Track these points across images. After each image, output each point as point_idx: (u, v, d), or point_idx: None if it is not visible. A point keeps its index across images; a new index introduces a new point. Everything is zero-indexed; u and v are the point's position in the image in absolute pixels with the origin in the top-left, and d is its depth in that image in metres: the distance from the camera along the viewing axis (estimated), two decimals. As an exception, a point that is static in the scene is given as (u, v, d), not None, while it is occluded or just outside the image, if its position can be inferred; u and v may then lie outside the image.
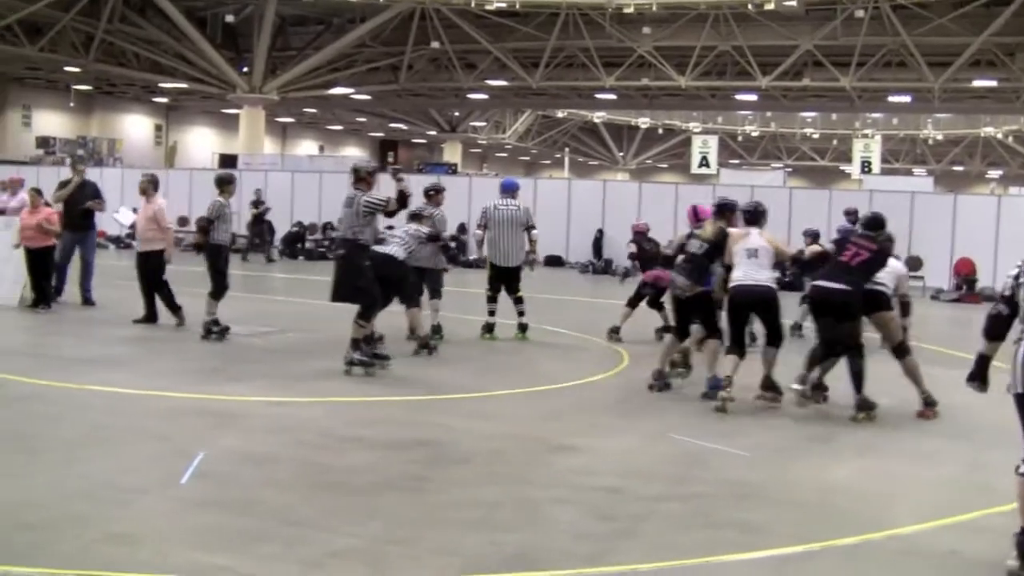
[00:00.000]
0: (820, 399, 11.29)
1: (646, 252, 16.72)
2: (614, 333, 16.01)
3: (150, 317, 15.47)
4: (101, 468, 7.68)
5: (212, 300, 14.30)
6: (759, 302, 11.17)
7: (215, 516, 6.70)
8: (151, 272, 15.60)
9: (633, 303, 16.26)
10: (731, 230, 11.52)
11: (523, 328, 15.56)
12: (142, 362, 12.49)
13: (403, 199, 12.52)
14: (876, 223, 11.50)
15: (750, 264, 11.08)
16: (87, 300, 17.25)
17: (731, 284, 11.19)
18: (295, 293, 21.84)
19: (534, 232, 15.27)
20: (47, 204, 17.35)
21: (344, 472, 7.80)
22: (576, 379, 12.27)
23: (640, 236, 17.10)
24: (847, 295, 10.53)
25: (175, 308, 15.37)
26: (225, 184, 15.18)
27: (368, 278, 12.21)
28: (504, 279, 15.47)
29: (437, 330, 14.81)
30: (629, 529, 6.80)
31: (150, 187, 16.42)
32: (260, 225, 31.16)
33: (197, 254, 15.05)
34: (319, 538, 6.33)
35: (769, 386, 11.19)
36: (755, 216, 11.52)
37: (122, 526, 6.43)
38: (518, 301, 15.56)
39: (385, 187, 13.25)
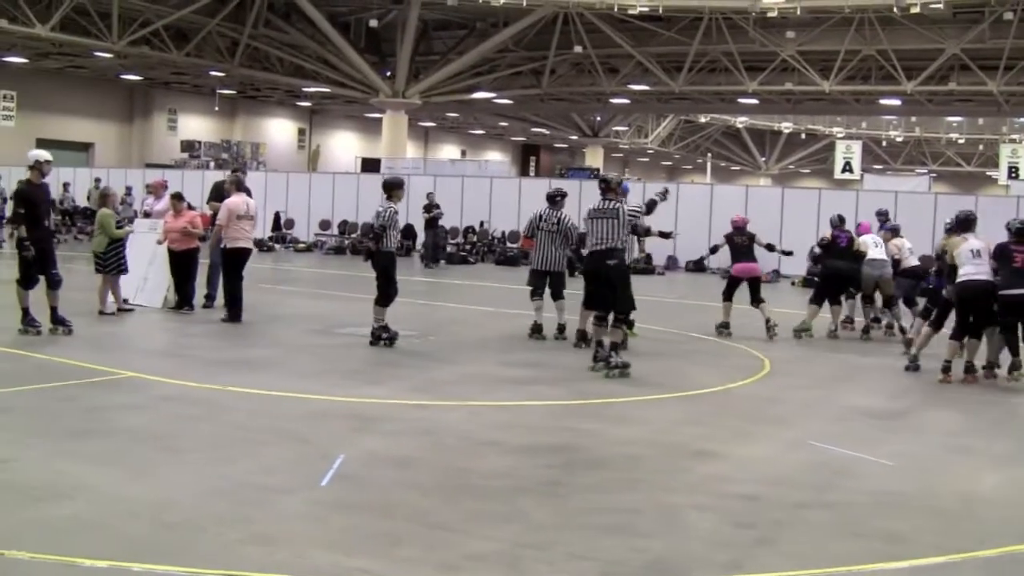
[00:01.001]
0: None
1: (737, 245, 17.44)
2: (723, 328, 16.65)
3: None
4: (242, 469, 7.82)
5: (380, 307, 14.21)
6: (984, 294, 12.82)
7: (354, 518, 6.78)
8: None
9: (728, 295, 17.14)
10: (953, 238, 13.69)
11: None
12: (282, 364, 12.70)
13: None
14: None
15: (976, 263, 12.93)
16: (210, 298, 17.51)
17: (960, 280, 12.94)
18: (438, 297, 22.00)
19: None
20: (190, 207, 17.70)
21: (482, 476, 7.85)
22: (717, 385, 12.18)
23: (737, 230, 17.63)
24: None
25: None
26: (394, 189, 14.63)
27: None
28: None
29: (562, 329, 15.23)
30: (769, 537, 6.73)
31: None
32: (433, 228, 30.86)
33: (365, 261, 14.71)
34: (457, 541, 6.38)
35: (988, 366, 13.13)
36: (969, 223, 13.84)
37: (262, 527, 6.53)
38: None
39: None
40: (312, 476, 7.55)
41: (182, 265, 16.83)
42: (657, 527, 6.82)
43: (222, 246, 16.19)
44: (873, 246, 17.09)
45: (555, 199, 15.54)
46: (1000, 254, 12.93)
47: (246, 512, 6.79)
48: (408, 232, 32.58)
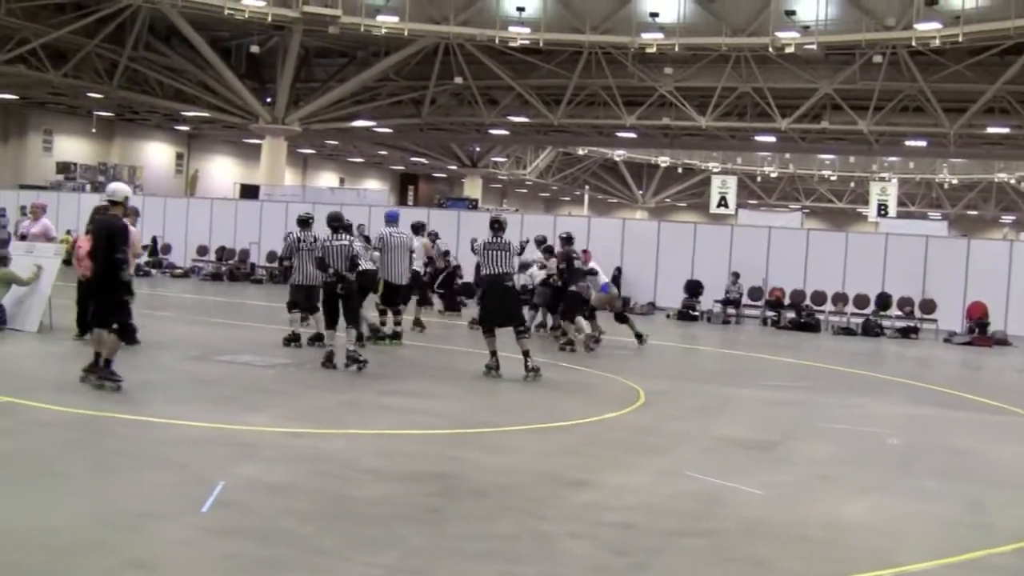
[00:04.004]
0: None
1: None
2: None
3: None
4: (121, 494, 7.79)
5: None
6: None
7: (236, 545, 6.81)
8: None
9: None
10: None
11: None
12: (161, 390, 12.62)
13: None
14: None
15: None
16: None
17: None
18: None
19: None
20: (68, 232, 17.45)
21: (362, 503, 7.92)
22: (592, 416, 12.37)
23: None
24: None
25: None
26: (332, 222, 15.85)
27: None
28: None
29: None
30: (644, 563, 6.91)
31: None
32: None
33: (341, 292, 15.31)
34: (337, 567, 6.46)
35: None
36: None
37: (143, 552, 6.54)
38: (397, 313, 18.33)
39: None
40: (192, 502, 7.55)
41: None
42: (533, 554, 6.96)
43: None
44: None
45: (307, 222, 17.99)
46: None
47: (127, 537, 6.78)
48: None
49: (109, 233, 12.16)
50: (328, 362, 14.97)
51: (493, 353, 15.29)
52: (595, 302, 19.19)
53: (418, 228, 21.12)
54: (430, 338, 19.60)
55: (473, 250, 16.44)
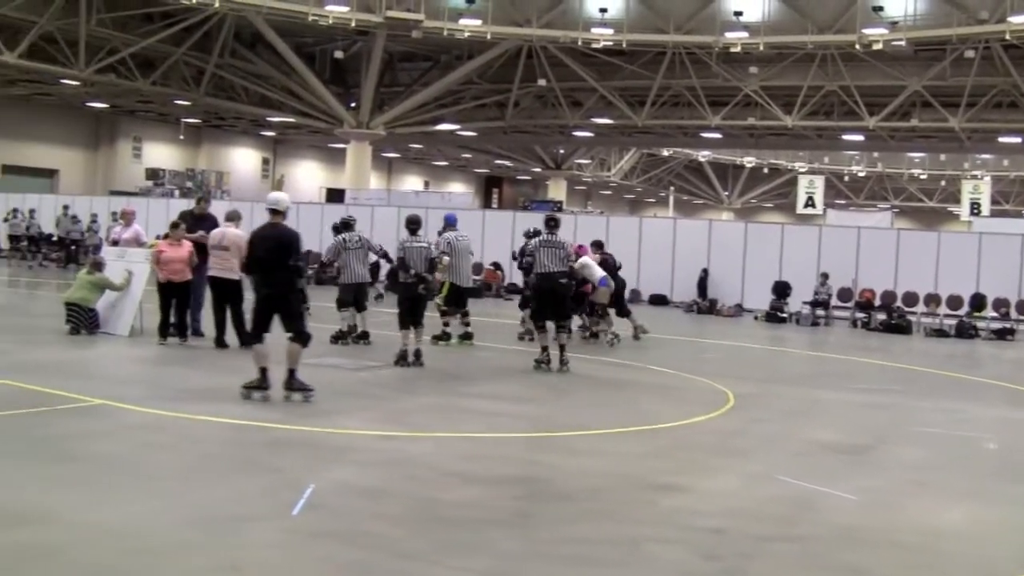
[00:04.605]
0: None
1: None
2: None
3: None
4: (212, 497, 7.83)
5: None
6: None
7: (326, 548, 6.80)
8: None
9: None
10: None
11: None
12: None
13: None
14: None
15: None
16: (196, 331, 17.23)
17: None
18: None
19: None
20: (158, 237, 17.65)
21: (451, 506, 7.89)
22: (679, 418, 12.26)
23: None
24: None
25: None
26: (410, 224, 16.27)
27: None
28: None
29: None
30: (736, 569, 6.82)
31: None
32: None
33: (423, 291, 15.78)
34: (427, 571, 6.43)
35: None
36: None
37: (232, 555, 6.56)
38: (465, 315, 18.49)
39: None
40: (283, 505, 7.57)
41: (182, 296, 16.58)
42: (624, 559, 6.88)
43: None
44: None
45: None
46: None
47: (215, 540, 6.79)
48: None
49: (284, 243, 12.16)
50: (402, 360, 15.21)
51: (544, 348, 15.84)
52: (594, 297, 19.04)
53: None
54: (482, 336, 19.63)
55: (524, 251, 17.04)
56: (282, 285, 12.05)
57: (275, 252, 12.07)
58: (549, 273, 15.85)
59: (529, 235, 18.08)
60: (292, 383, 11.94)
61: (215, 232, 16.36)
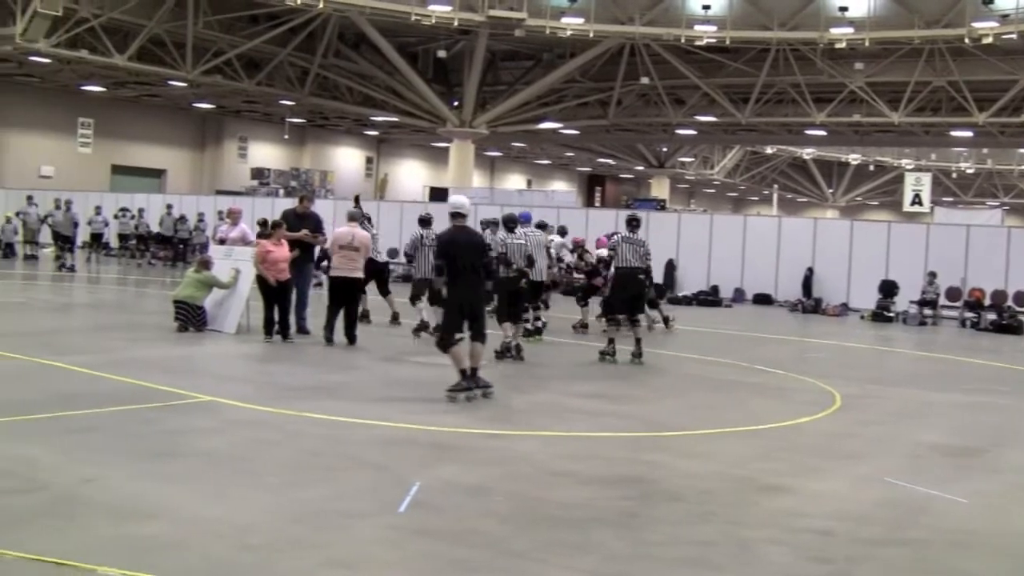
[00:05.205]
0: None
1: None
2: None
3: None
4: (319, 494, 7.91)
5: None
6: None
7: (432, 545, 6.85)
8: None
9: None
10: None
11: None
12: (356, 390, 12.90)
13: None
14: None
15: None
16: (301, 329, 17.43)
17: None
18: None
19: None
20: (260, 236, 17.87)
21: (558, 506, 7.89)
22: (785, 419, 12.16)
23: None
24: None
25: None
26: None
27: None
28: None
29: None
30: (845, 572, 6.76)
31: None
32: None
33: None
34: (534, 570, 6.45)
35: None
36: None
37: (340, 551, 6.62)
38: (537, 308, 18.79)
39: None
40: (389, 502, 7.63)
41: (284, 295, 16.77)
42: (732, 560, 6.85)
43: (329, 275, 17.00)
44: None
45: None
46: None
47: (324, 537, 6.87)
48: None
49: (480, 247, 12.74)
50: (505, 353, 15.77)
51: (611, 340, 16.47)
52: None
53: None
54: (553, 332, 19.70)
55: (610, 248, 17.12)
56: (479, 288, 12.60)
57: (474, 256, 12.46)
58: (631, 268, 16.42)
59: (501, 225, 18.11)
60: (476, 381, 12.25)
61: (343, 232, 16.75)
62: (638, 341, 16.32)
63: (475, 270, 12.38)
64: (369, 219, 21.34)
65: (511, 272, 16.08)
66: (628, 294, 16.60)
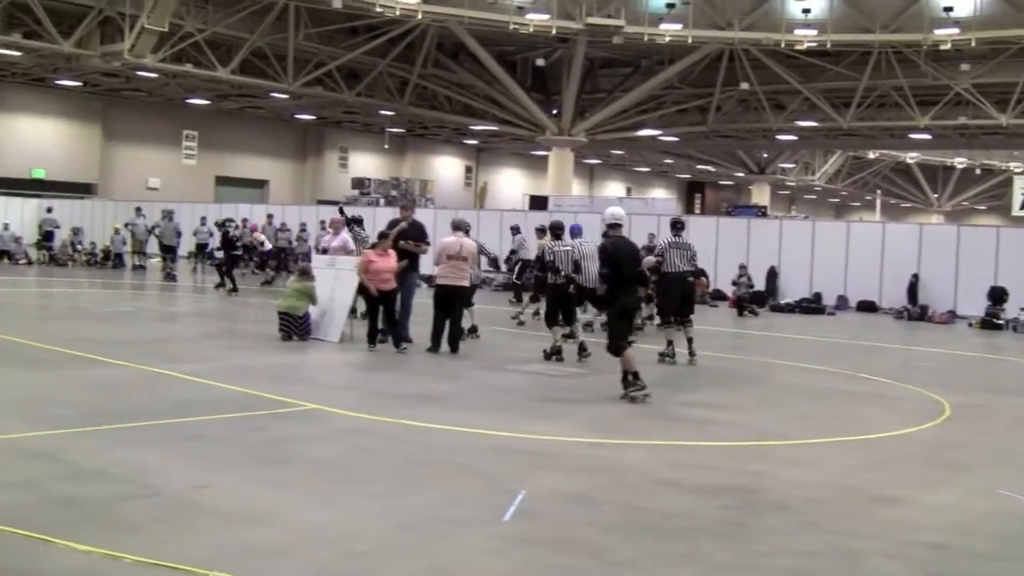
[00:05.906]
0: None
1: None
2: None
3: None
4: (424, 502, 7.93)
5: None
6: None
7: (536, 554, 6.83)
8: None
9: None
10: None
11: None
12: (458, 399, 12.90)
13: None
14: None
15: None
16: (404, 338, 17.31)
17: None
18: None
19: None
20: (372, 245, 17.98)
21: (663, 515, 7.83)
22: (892, 429, 11.93)
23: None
24: None
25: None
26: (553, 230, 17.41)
27: None
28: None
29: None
30: (960, 587, 6.59)
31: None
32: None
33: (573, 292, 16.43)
34: (639, 580, 6.39)
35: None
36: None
37: (445, 559, 6.63)
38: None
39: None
40: (493, 511, 7.63)
41: (390, 304, 16.82)
42: (841, 573, 6.73)
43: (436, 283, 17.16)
44: None
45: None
46: None
47: (429, 544, 6.89)
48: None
49: (637, 256, 13.41)
50: (555, 355, 16.41)
51: (670, 342, 16.89)
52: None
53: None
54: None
55: (657, 255, 17.42)
56: (636, 295, 13.54)
57: (635, 265, 13.21)
58: (680, 272, 17.02)
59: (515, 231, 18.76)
60: (640, 384, 12.77)
61: (451, 241, 16.90)
62: (690, 341, 16.80)
63: (635, 278, 13.19)
64: (360, 222, 22.03)
65: (559, 279, 16.48)
66: (679, 297, 17.06)
